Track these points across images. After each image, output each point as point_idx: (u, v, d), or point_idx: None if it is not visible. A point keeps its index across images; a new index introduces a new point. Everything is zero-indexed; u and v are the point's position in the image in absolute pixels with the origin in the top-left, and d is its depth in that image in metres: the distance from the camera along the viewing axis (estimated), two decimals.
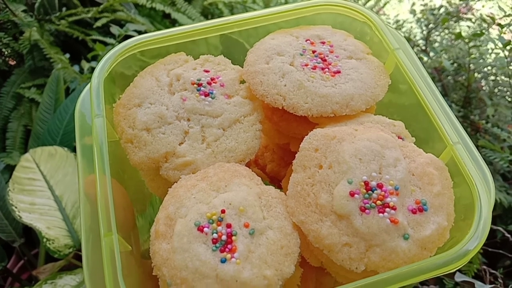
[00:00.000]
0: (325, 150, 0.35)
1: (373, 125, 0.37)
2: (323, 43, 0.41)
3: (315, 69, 0.39)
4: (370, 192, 0.32)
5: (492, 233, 0.79)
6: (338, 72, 0.39)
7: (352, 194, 0.32)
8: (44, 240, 0.80)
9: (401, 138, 0.37)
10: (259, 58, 0.40)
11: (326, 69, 0.39)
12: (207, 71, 0.41)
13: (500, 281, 0.68)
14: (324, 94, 0.37)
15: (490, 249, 0.75)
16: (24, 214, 0.83)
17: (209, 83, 0.40)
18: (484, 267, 0.71)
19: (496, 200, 0.79)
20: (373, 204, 0.32)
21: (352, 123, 0.37)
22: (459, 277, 0.57)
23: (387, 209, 0.32)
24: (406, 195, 0.33)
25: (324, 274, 0.38)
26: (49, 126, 1.00)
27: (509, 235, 0.68)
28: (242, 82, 0.41)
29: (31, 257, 0.93)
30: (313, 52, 0.40)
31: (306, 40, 0.41)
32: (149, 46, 0.42)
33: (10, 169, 0.93)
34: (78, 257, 0.85)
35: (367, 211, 0.32)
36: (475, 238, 0.31)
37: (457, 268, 0.31)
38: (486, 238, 0.32)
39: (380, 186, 0.32)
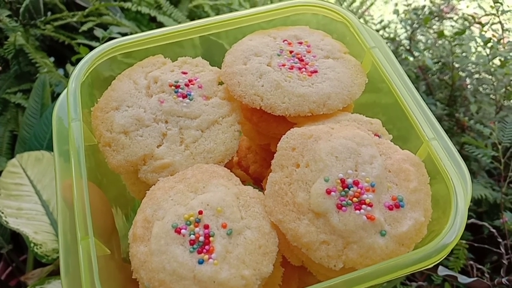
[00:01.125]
0: (302, 149, 0.35)
1: (350, 123, 0.37)
2: (301, 43, 0.42)
3: (292, 69, 0.39)
4: (346, 189, 0.32)
5: (479, 228, 0.79)
6: (315, 71, 0.39)
7: (328, 192, 0.32)
8: (32, 245, 0.79)
9: (378, 136, 0.37)
10: (237, 59, 0.40)
11: (303, 69, 0.39)
12: (185, 73, 0.40)
13: (487, 275, 0.69)
14: (301, 93, 0.38)
15: (476, 244, 0.75)
16: (11, 219, 0.83)
17: (187, 85, 0.39)
18: (471, 262, 0.72)
19: (481, 196, 0.80)
20: (349, 201, 0.32)
21: (329, 122, 0.37)
22: (442, 271, 0.57)
23: (364, 206, 0.32)
24: (383, 191, 0.33)
25: (307, 273, 0.38)
26: (35, 131, 0.99)
27: (494, 230, 0.69)
28: (221, 83, 0.41)
29: (19, 263, 0.92)
30: (291, 52, 0.40)
31: (284, 41, 0.42)
32: (127, 49, 0.42)
33: None
34: None
35: (343, 208, 0.32)
36: (452, 232, 0.32)
37: (435, 263, 0.31)
38: (462, 233, 0.32)
39: (356, 183, 0.33)
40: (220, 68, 0.42)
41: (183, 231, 0.32)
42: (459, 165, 0.35)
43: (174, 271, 0.31)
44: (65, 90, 0.40)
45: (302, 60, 0.40)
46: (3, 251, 0.90)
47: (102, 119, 0.38)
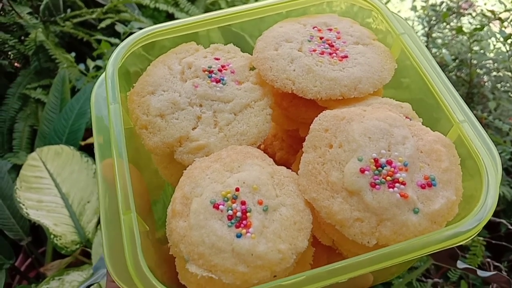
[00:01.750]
0: (335, 130, 0.36)
1: (381, 106, 0.38)
2: (330, 30, 0.43)
3: (323, 54, 0.40)
4: (380, 168, 0.33)
5: (496, 226, 0.79)
6: (346, 56, 0.40)
7: (362, 171, 0.33)
8: (52, 236, 0.81)
9: (408, 118, 0.38)
10: (268, 45, 0.41)
11: (334, 54, 0.40)
12: (217, 59, 0.42)
13: (504, 273, 0.69)
14: (332, 77, 0.38)
15: (494, 242, 0.75)
16: (32, 211, 0.85)
17: (219, 70, 0.41)
18: (488, 259, 0.72)
19: (499, 194, 0.79)
20: (383, 180, 0.33)
21: (360, 105, 0.38)
22: (461, 265, 0.57)
23: (397, 184, 0.33)
24: (415, 171, 0.34)
25: (335, 254, 0.39)
26: (55, 126, 1.01)
27: None
28: (252, 69, 0.42)
29: (38, 255, 0.94)
30: (321, 38, 0.41)
31: (314, 28, 0.43)
32: (161, 36, 0.43)
33: (17, 169, 0.95)
34: (85, 254, 0.86)
35: (377, 186, 0.33)
36: (483, 211, 0.32)
37: (467, 240, 0.32)
38: (493, 212, 0.33)
39: (389, 162, 0.33)
40: (251, 55, 0.43)
41: (221, 206, 0.33)
42: (489, 146, 0.35)
43: (213, 245, 0.32)
44: (101, 77, 0.42)
45: (333, 46, 0.41)
46: (23, 243, 0.92)
47: (138, 103, 0.40)
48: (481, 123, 0.94)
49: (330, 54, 0.40)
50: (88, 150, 0.92)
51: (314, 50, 0.40)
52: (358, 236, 0.33)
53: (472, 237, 0.32)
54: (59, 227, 0.85)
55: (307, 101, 0.40)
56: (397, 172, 0.33)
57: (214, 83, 0.40)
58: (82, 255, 0.86)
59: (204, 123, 0.39)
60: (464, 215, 0.33)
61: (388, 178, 0.33)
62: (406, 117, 0.37)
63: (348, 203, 0.33)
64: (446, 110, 0.37)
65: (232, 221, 0.32)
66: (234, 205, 0.33)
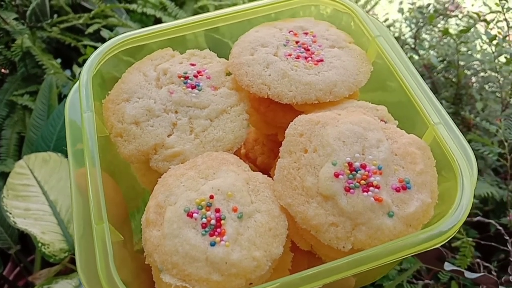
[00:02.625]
0: (309, 135, 0.36)
1: (356, 109, 0.38)
2: (306, 33, 0.42)
3: (298, 58, 0.40)
4: (354, 172, 0.33)
5: (485, 226, 0.79)
6: (321, 60, 0.40)
7: (336, 175, 0.33)
8: (39, 245, 0.80)
9: (384, 121, 0.38)
10: (244, 50, 0.41)
11: (309, 58, 0.40)
12: (193, 65, 0.41)
13: (494, 274, 0.69)
14: (307, 81, 0.38)
15: (483, 242, 0.75)
16: (19, 219, 0.84)
17: (195, 76, 0.40)
18: (478, 260, 0.72)
19: (488, 194, 0.79)
20: (357, 184, 0.33)
21: (335, 109, 0.38)
22: (448, 267, 0.57)
23: (371, 188, 0.32)
24: (390, 174, 0.34)
25: (316, 259, 0.39)
26: (42, 132, 1.00)
27: (501, 228, 0.69)
28: (228, 74, 0.42)
29: (27, 263, 0.93)
30: (296, 42, 0.41)
31: (289, 32, 0.43)
32: (135, 43, 0.43)
33: (4, 176, 0.94)
34: (74, 261, 0.85)
35: (351, 190, 0.32)
36: (458, 214, 0.32)
37: (442, 243, 0.32)
38: (468, 214, 0.33)
39: (363, 166, 0.33)
40: (227, 60, 0.43)
41: (195, 215, 0.33)
42: (465, 148, 0.35)
43: (187, 254, 0.31)
44: (76, 84, 0.42)
45: (308, 50, 0.41)
46: (11, 251, 0.91)
47: (113, 110, 0.39)
48: (469, 124, 0.93)
49: (306, 58, 0.40)
50: None
51: (290, 55, 0.40)
52: (333, 241, 0.33)
53: (448, 239, 0.32)
54: (47, 235, 0.85)
55: (284, 105, 0.40)
56: (371, 175, 0.33)
57: (190, 89, 0.39)
58: (71, 263, 0.85)
59: (179, 129, 0.38)
60: (441, 217, 0.33)
61: (362, 182, 0.33)
62: (381, 120, 0.37)
63: (323, 208, 0.33)
64: (421, 112, 0.37)
65: (206, 229, 0.32)
66: (208, 213, 0.33)
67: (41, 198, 0.89)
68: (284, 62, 0.40)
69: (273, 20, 0.46)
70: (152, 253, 0.33)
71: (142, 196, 0.50)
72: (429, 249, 0.31)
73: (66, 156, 0.91)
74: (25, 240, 0.93)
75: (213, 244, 0.31)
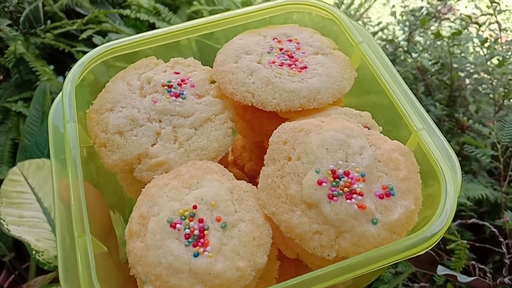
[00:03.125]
0: (293, 143, 0.35)
1: (340, 116, 0.38)
2: (290, 40, 0.42)
3: (282, 65, 0.40)
4: (337, 180, 0.33)
5: (480, 228, 0.79)
6: (305, 67, 0.40)
7: (320, 183, 0.33)
8: (34, 252, 0.80)
9: (367, 128, 0.37)
10: (228, 58, 0.41)
11: (293, 65, 0.40)
12: (177, 73, 0.41)
13: (489, 275, 0.69)
14: (291, 89, 0.38)
15: (478, 244, 0.75)
16: (13, 227, 0.83)
17: (179, 84, 0.40)
18: (473, 262, 0.71)
19: (482, 196, 0.79)
20: (340, 191, 0.33)
21: (320, 116, 0.38)
22: (441, 271, 0.57)
23: (355, 196, 0.32)
24: (373, 181, 0.34)
25: (303, 266, 0.39)
26: (36, 139, 1.00)
27: (496, 230, 0.68)
28: (213, 82, 0.42)
29: (22, 271, 0.92)
30: (280, 49, 0.41)
31: (274, 39, 0.43)
32: (120, 51, 0.43)
33: None
34: None
35: (335, 198, 0.32)
36: (441, 220, 0.32)
37: (427, 249, 0.32)
38: (452, 220, 0.33)
39: (347, 173, 0.33)
40: (212, 68, 0.42)
41: (178, 225, 0.32)
42: (449, 153, 0.35)
43: (170, 265, 0.31)
44: (60, 93, 0.41)
45: (292, 57, 0.41)
46: (6, 259, 0.90)
47: (97, 120, 0.39)
48: (462, 126, 0.93)
49: (290, 65, 0.40)
50: None
51: (274, 62, 0.40)
52: (318, 249, 0.33)
53: (432, 246, 0.32)
54: (41, 243, 0.84)
55: (269, 113, 0.40)
56: (355, 183, 0.33)
57: (174, 98, 0.39)
58: None
59: (163, 139, 0.38)
60: (425, 223, 0.33)
61: (346, 189, 0.33)
62: (365, 127, 0.37)
63: (307, 216, 0.33)
64: (404, 118, 0.37)
65: (190, 240, 0.32)
66: (192, 223, 0.33)
67: (35, 205, 0.89)
68: (268, 69, 0.40)
69: (257, 27, 0.46)
70: (135, 265, 0.33)
71: (129, 205, 0.49)
72: (415, 255, 0.31)
73: None
74: (19, 248, 0.93)
75: (196, 255, 0.31)
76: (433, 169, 0.35)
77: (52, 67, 1.06)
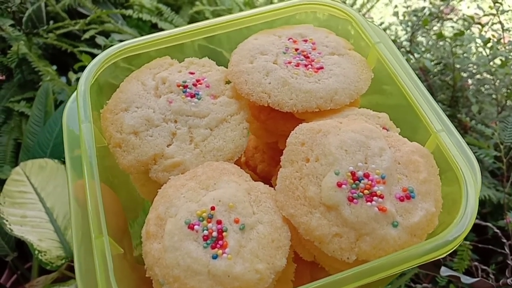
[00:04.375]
0: (311, 144, 0.35)
1: (358, 117, 0.37)
2: (305, 41, 0.42)
3: (298, 66, 0.40)
4: (357, 182, 0.33)
5: (483, 229, 0.79)
6: (321, 68, 0.40)
7: (339, 185, 0.32)
8: (36, 252, 0.80)
9: (386, 129, 0.37)
10: (243, 58, 0.41)
11: (309, 66, 0.40)
12: (192, 73, 0.41)
13: (492, 276, 0.69)
14: (308, 89, 0.38)
15: (480, 245, 0.75)
16: (16, 227, 0.83)
17: (194, 85, 0.40)
18: (476, 263, 0.71)
19: (485, 197, 0.79)
20: (360, 193, 0.32)
21: (337, 117, 0.38)
22: (445, 272, 0.57)
23: (375, 198, 0.32)
24: (393, 183, 0.33)
25: (319, 269, 0.38)
26: (39, 139, 1.00)
27: (498, 231, 0.68)
28: (228, 82, 0.42)
29: (24, 271, 0.92)
30: (296, 50, 0.41)
31: (289, 39, 0.42)
32: (132, 52, 0.42)
33: (1, 183, 0.93)
34: (71, 269, 0.84)
35: (355, 200, 0.32)
36: (463, 223, 0.32)
37: (447, 253, 0.32)
38: (473, 223, 0.32)
39: (366, 175, 0.33)
40: (226, 68, 0.42)
41: (196, 227, 0.32)
42: (468, 155, 0.35)
43: (188, 267, 0.31)
44: (74, 94, 0.41)
45: (308, 57, 0.40)
46: (8, 259, 0.90)
47: (111, 120, 0.39)
48: (465, 127, 0.93)
49: (306, 65, 0.40)
50: None
51: (290, 62, 0.40)
52: (338, 252, 0.32)
53: (454, 248, 0.32)
54: (44, 243, 0.84)
55: (285, 113, 0.39)
56: (375, 185, 0.33)
57: (189, 98, 0.39)
58: (68, 270, 0.85)
59: (179, 139, 0.38)
60: (445, 225, 0.33)
61: (366, 191, 0.32)
62: (383, 128, 0.37)
63: (326, 218, 0.33)
64: (423, 119, 0.36)
65: (208, 241, 0.32)
66: (210, 224, 0.32)
67: (38, 205, 0.88)
68: (284, 70, 0.39)
69: (271, 27, 0.46)
70: (153, 266, 0.32)
71: (142, 206, 0.49)
72: (436, 258, 0.31)
73: (63, 162, 0.91)
74: (22, 247, 0.93)
75: (215, 257, 0.31)
76: (452, 171, 0.34)
77: (55, 67, 1.06)
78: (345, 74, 0.39)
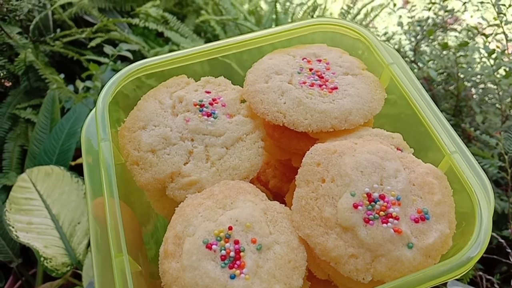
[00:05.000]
0: (327, 164, 0.36)
1: (372, 138, 0.38)
2: (319, 60, 0.43)
3: (312, 86, 0.40)
4: (373, 203, 0.33)
5: None
6: (336, 88, 0.40)
7: (355, 206, 0.33)
8: (42, 259, 0.80)
9: (400, 150, 0.38)
10: (258, 78, 0.41)
11: (324, 86, 0.40)
12: (208, 92, 0.42)
13: (497, 286, 0.69)
14: (323, 110, 0.39)
15: (485, 255, 0.75)
16: (21, 233, 0.84)
17: (211, 104, 0.41)
18: (480, 273, 0.72)
19: None
20: (376, 215, 0.33)
21: (351, 137, 0.38)
22: (452, 285, 0.57)
23: (390, 219, 0.33)
24: (408, 205, 0.34)
25: (332, 287, 0.39)
26: (45, 146, 1.01)
27: (503, 241, 0.69)
28: (243, 101, 0.42)
29: (28, 277, 0.92)
30: (310, 70, 0.42)
31: (303, 59, 0.43)
32: (151, 70, 0.43)
33: (7, 189, 0.93)
34: (76, 275, 0.85)
35: (371, 222, 0.33)
36: (477, 244, 0.32)
37: (462, 274, 0.32)
38: (487, 245, 0.33)
39: (382, 197, 0.33)
40: (242, 87, 0.43)
41: (214, 246, 0.33)
42: (481, 177, 0.36)
43: (207, 287, 0.31)
44: (93, 110, 0.42)
45: (322, 77, 0.41)
46: (13, 265, 0.90)
47: (129, 138, 0.39)
48: (469, 136, 0.93)
49: (320, 85, 0.40)
50: (78, 170, 0.91)
51: (304, 82, 0.40)
52: (353, 272, 0.33)
53: (467, 270, 0.32)
54: (50, 249, 0.84)
55: (299, 132, 0.40)
56: (390, 206, 0.33)
57: (206, 117, 0.40)
58: (73, 277, 0.85)
59: (196, 158, 0.38)
60: (459, 246, 0.34)
61: (382, 213, 0.33)
62: (397, 149, 0.38)
63: (342, 239, 0.33)
64: (436, 141, 0.37)
65: (226, 261, 0.32)
66: (227, 244, 0.33)
67: (44, 212, 0.89)
68: (299, 90, 0.40)
69: (283, 46, 0.46)
70: (171, 285, 0.33)
71: (155, 221, 0.49)
72: (451, 279, 0.31)
73: (69, 169, 0.91)
74: (26, 254, 0.93)
75: (233, 277, 0.31)
76: (465, 191, 0.35)
77: (62, 75, 1.07)
78: (359, 94, 0.40)
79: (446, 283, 0.59)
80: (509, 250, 0.68)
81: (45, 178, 0.91)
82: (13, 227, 0.82)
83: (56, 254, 0.83)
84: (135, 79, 0.43)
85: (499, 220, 0.86)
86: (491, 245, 0.81)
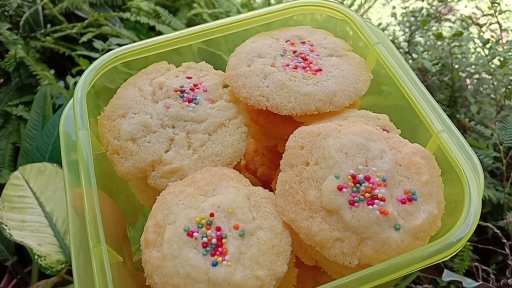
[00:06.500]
0: (310, 147, 0.35)
1: (357, 119, 0.37)
2: (303, 43, 0.42)
3: (296, 68, 0.39)
4: (358, 185, 0.32)
5: (483, 229, 0.79)
6: (320, 70, 0.39)
7: (340, 189, 0.32)
8: (36, 257, 0.79)
9: (386, 131, 0.37)
10: (241, 62, 0.40)
11: (308, 68, 0.39)
12: (189, 78, 0.41)
13: (493, 277, 0.68)
14: (306, 92, 0.37)
15: (480, 246, 0.75)
16: (15, 232, 0.83)
17: (192, 89, 0.40)
18: (476, 264, 0.71)
19: (485, 197, 0.79)
20: (361, 197, 0.32)
21: (336, 119, 0.37)
22: (447, 276, 0.57)
23: (376, 201, 0.32)
24: (394, 185, 0.33)
25: (321, 273, 0.38)
26: (37, 143, 1.00)
27: (498, 231, 0.68)
28: (226, 86, 0.41)
29: (24, 275, 0.92)
30: (294, 52, 0.41)
31: (286, 41, 0.42)
32: (129, 57, 0.42)
33: (0, 188, 0.93)
34: (71, 273, 0.84)
35: (356, 204, 0.32)
36: (466, 224, 0.32)
37: (451, 255, 0.31)
38: (477, 225, 0.32)
39: (367, 178, 0.32)
40: (224, 71, 0.42)
41: (195, 234, 0.32)
42: (470, 156, 0.34)
43: (188, 275, 0.30)
44: (71, 100, 0.41)
45: (306, 59, 0.40)
46: (8, 263, 0.90)
47: (109, 127, 0.38)
48: (464, 127, 0.93)
49: (304, 68, 0.39)
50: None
51: (288, 65, 0.39)
52: (339, 256, 0.32)
53: (458, 250, 0.31)
54: (44, 247, 0.84)
55: (284, 117, 0.39)
56: (376, 188, 0.32)
57: (187, 103, 0.39)
58: (68, 275, 0.84)
59: (177, 145, 0.37)
60: (448, 227, 0.33)
61: (367, 194, 0.32)
62: (383, 129, 0.37)
63: (327, 222, 0.32)
64: (424, 120, 0.36)
65: (207, 249, 0.31)
66: (209, 231, 0.32)
67: (37, 210, 0.88)
68: (282, 72, 0.39)
69: (269, 29, 0.45)
70: (152, 275, 0.32)
71: (142, 211, 0.49)
72: (439, 261, 0.30)
73: (62, 166, 0.90)
74: (21, 252, 0.92)
75: (214, 264, 0.31)
76: (454, 171, 0.34)
77: (52, 71, 1.06)
78: (344, 75, 0.39)
79: (442, 274, 0.59)
80: (505, 241, 0.68)
81: (38, 176, 0.90)
82: (6, 226, 0.81)
83: (50, 252, 0.83)
84: (116, 68, 0.42)
85: (494, 211, 0.85)
86: (487, 236, 0.80)
